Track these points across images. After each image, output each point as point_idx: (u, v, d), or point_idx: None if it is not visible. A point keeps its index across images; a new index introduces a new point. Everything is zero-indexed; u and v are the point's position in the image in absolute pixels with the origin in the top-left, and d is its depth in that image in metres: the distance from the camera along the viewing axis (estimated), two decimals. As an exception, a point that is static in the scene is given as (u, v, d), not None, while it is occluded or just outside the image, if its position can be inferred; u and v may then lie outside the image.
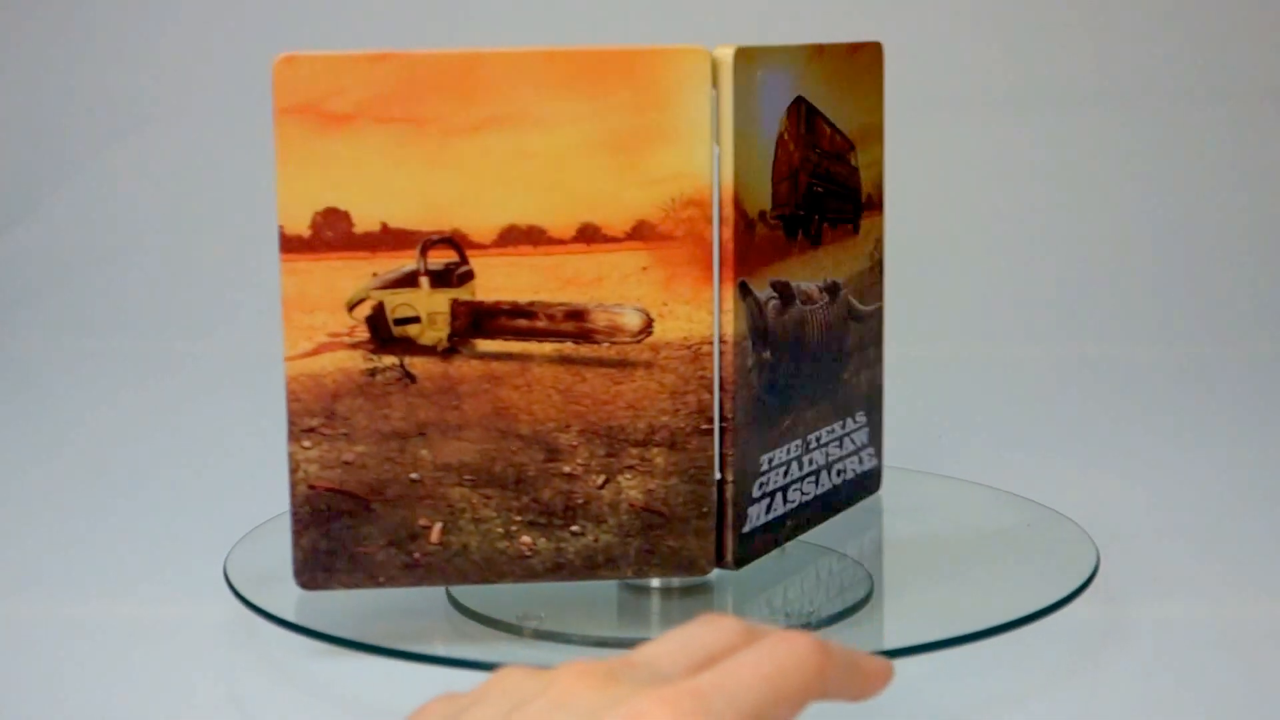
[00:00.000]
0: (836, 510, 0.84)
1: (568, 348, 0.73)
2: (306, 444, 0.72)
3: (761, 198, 0.75)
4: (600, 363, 0.73)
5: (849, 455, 0.84)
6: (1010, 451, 1.08)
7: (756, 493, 0.76)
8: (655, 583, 0.79)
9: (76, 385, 1.31)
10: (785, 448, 0.78)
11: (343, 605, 0.75)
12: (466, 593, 0.77)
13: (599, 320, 0.73)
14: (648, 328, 0.73)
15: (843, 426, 0.83)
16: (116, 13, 1.58)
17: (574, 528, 0.74)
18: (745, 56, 0.72)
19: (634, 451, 0.73)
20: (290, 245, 0.71)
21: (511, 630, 0.75)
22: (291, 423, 0.72)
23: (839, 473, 0.83)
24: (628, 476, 0.73)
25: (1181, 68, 1.52)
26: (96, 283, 1.47)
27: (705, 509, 0.74)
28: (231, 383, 1.31)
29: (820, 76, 0.79)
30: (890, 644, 0.73)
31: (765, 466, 0.77)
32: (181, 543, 0.92)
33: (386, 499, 0.73)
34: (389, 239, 0.72)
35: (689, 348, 0.73)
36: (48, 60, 1.58)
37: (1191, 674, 0.75)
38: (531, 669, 0.50)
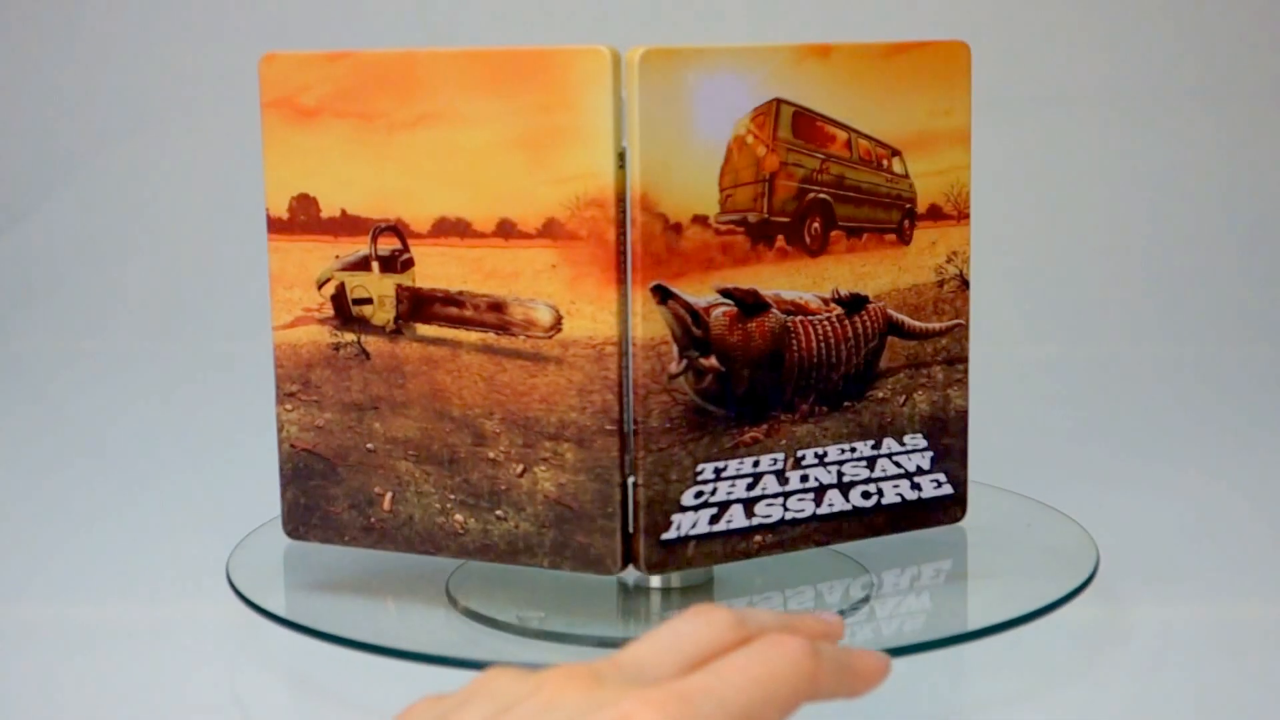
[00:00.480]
0: (877, 532, 0.80)
1: (490, 338, 0.75)
2: (289, 407, 0.80)
3: (698, 201, 0.73)
4: (518, 355, 0.75)
5: (889, 479, 0.79)
6: (1011, 450, 1.07)
7: (690, 501, 0.75)
8: (655, 582, 0.80)
9: (76, 385, 1.32)
10: (749, 460, 0.76)
11: (344, 604, 0.78)
12: (466, 592, 0.80)
13: (516, 314, 0.75)
14: (558, 324, 0.74)
15: (873, 448, 0.79)
16: (116, 13, 1.57)
17: (498, 512, 0.76)
18: (658, 57, 0.72)
19: (548, 445, 0.75)
20: (274, 226, 0.79)
21: (511, 630, 0.76)
22: (277, 387, 0.80)
23: (869, 495, 0.79)
24: (542, 468, 0.75)
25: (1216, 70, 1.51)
26: (96, 283, 1.49)
27: (610, 509, 0.74)
28: (233, 382, 1.31)
29: (829, 78, 0.75)
30: (890, 643, 0.72)
31: (710, 475, 0.75)
32: (183, 543, 0.93)
33: (349, 464, 0.79)
34: (347, 224, 0.77)
35: (594, 347, 0.73)
36: (48, 60, 1.57)
37: (1191, 674, 0.74)
38: (519, 670, 0.51)
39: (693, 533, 0.75)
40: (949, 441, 0.81)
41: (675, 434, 0.74)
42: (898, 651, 0.70)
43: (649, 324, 0.73)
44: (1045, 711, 0.70)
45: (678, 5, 1.55)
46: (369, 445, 0.78)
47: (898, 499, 0.80)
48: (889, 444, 0.79)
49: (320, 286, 0.78)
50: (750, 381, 0.76)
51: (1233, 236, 1.46)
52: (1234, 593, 0.84)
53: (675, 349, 0.74)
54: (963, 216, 0.80)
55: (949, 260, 0.80)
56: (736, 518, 0.76)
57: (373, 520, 0.78)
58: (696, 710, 0.47)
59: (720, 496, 0.75)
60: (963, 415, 0.81)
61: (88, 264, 1.49)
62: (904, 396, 0.79)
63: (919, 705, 0.71)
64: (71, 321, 1.44)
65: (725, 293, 0.74)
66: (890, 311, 0.79)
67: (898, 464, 0.80)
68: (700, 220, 0.74)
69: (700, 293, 0.74)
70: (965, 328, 0.81)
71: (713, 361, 0.75)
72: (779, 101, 0.75)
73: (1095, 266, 1.45)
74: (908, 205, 0.78)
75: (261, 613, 0.76)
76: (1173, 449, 1.10)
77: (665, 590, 0.79)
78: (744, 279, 0.75)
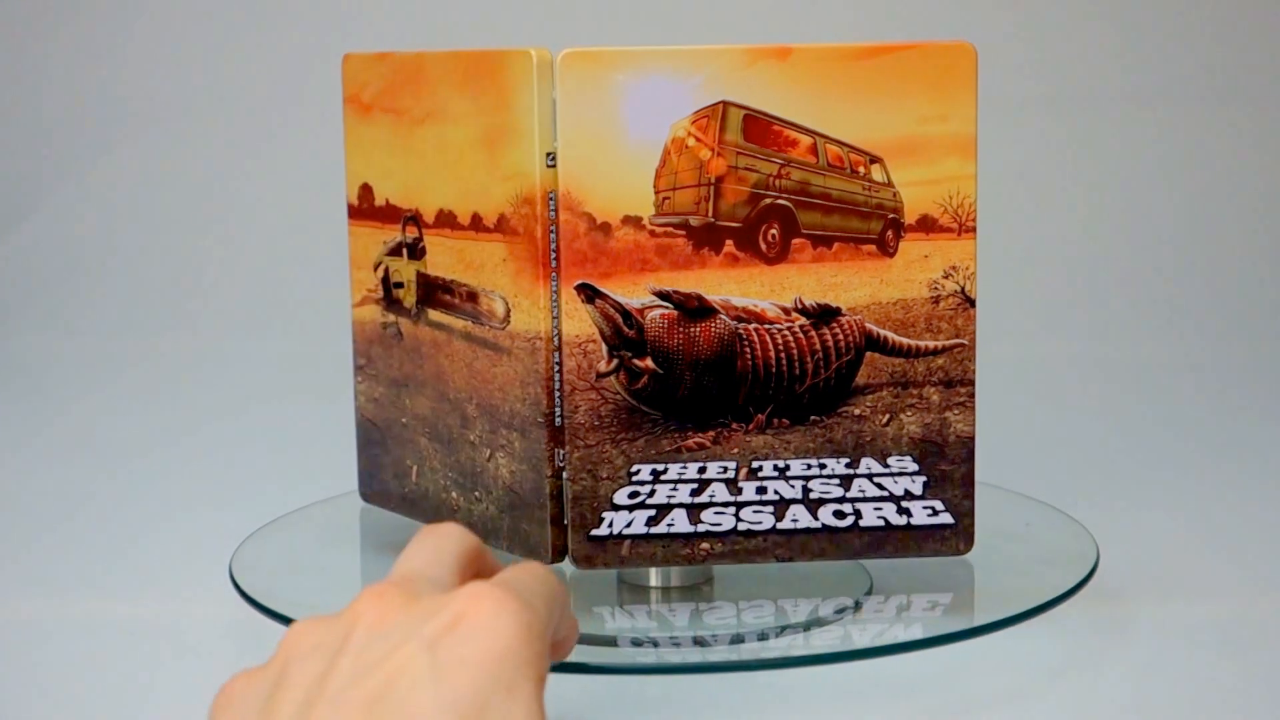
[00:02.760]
0: (857, 555, 0.76)
1: (469, 325, 0.79)
2: (359, 379, 0.87)
3: (629, 202, 0.73)
4: (484, 343, 0.78)
5: (869, 500, 0.76)
6: (1011, 449, 1.07)
7: (624, 500, 0.75)
8: (654, 581, 0.81)
9: (77, 385, 1.30)
10: (694, 466, 0.75)
11: (346, 602, 0.81)
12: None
13: (483, 304, 0.78)
14: (508, 316, 0.77)
15: (849, 466, 0.76)
16: (117, 12, 1.55)
17: (476, 493, 0.80)
18: (580, 59, 0.73)
19: (504, 432, 0.78)
20: (351, 212, 0.86)
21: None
22: (354, 358, 0.87)
23: (843, 515, 0.76)
24: (502, 455, 0.78)
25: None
26: (97, 283, 1.47)
27: (542, 500, 0.76)
28: (234, 381, 1.30)
29: (790, 81, 0.73)
30: (890, 640, 0.73)
31: (646, 477, 0.75)
32: (186, 542, 0.92)
33: (393, 436, 0.85)
34: (389, 213, 0.83)
35: (529, 341, 0.75)
36: (48, 60, 1.54)
37: (1191, 674, 0.74)
38: (317, 619, 0.53)
39: (627, 532, 0.76)
40: (947, 468, 0.76)
41: (604, 432, 0.75)
42: (899, 649, 0.71)
43: (573, 321, 0.74)
44: (1045, 711, 0.70)
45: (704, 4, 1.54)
46: (403, 420, 0.84)
47: (880, 522, 0.76)
48: (869, 464, 0.76)
49: (375, 269, 0.85)
50: (693, 386, 0.75)
51: (1240, 238, 1.45)
52: (1234, 592, 0.83)
53: (604, 348, 0.74)
54: (965, 230, 0.74)
55: (947, 276, 0.75)
56: (680, 522, 0.76)
57: (406, 490, 0.84)
58: (519, 596, 0.52)
59: (660, 499, 0.75)
60: (965, 442, 0.76)
61: (88, 264, 1.49)
62: (887, 416, 0.76)
63: (918, 703, 0.71)
64: (71, 321, 1.45)
65: (661, 294, 0.74)
66: (869, 325, 0.75)
67: (880, 485, 0.76)
68: (632, 221, 0.74)
69: (634, 294, 0.74)
70: (969, 349, 0.75)
71: (648, 363, 0.75)
72: (726, 104, 0.73)
73: (1097, 266, 1.44)
74: (891, 215, 0.74)
75: (265, 612, 0.76)
76: (1173, 448, 1.10)
77: (664, 589, 0.80)
78: (686, 283, 0.74)
